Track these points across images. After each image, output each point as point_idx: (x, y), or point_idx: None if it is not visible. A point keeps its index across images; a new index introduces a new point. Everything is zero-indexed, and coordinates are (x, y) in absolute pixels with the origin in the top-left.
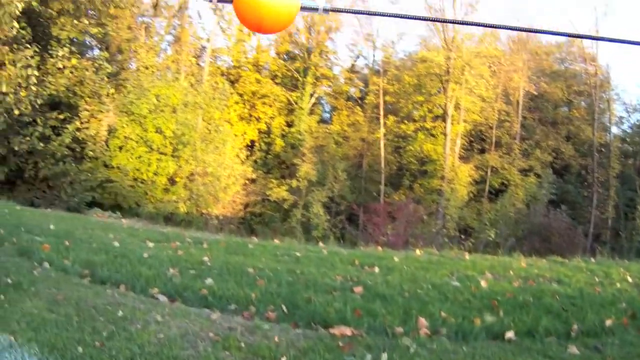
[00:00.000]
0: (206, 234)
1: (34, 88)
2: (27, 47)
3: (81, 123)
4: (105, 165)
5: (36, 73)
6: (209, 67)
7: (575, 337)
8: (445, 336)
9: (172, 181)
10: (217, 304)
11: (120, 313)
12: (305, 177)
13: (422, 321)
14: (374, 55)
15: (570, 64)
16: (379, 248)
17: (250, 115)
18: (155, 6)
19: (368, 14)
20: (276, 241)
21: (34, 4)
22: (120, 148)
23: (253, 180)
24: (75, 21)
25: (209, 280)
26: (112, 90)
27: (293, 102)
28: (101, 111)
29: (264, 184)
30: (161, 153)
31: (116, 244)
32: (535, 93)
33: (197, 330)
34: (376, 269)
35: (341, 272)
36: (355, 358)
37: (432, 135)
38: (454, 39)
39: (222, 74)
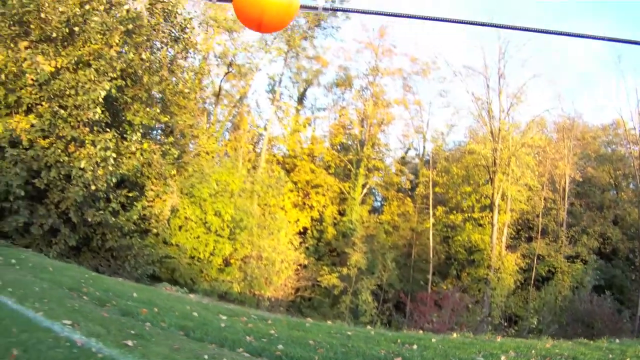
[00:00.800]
0: (266, 313)
1: (110, 168)
2: (106, 131)
3: (147, 202)
4: (165, 242)
5: (114, 155)
6: (265, 155)
7: None
8: None
9: (226, 262)
10: None
11: None
12: (355, 266)
13: None
14: (424, 147)
15: (616, 147)
16: (421, 331)
17: (304, 203)
18: (218, 95)
19: (368, 13)
20: (329, 322)
21: (113, 91)
22: (180, 227)
23: (304, 266)
24: (147, 108)
25: (280, 346)
26: (174, 172)
27: (345, 192)
28: (165, 192)
29: (315, 270)
30: (218, 235)
31: (195, 314)
32: (581, 179)
33: None
34: (414, 347)
35: (385, 347)
36: None
37: (480, 225)
38: (500, 130)
39: (278, 162)
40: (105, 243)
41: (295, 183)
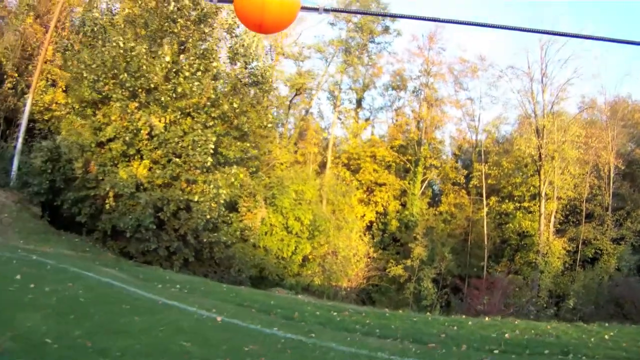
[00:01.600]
0: (359, 307)
1: (222, 201)
2: (214, 172)
3: (241, 216)
4: (254, 246)
5: (224, 192)
6: (330, 158)
7: None
8: None
9: (305, 259)
10: None
11: None
12: (417, 258)
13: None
14: (476, 140)
15: None
16: (464, 316)
17: (369, 200)
18: (287, 113)
19: (368, 14)
20: (400, 311)
21: (214, 138)
22: (266, 233)
23: (373, 257)
24: (238, 142)
25: (377, 331)
26: (261, 189)
27: (406, 188)
28: (255, 207)
29: (381, 260)
30: (299, 237)
31: (318, 313)
32: (623, 167)
33: None
34: (455, 327)
35: (436, 328)
36: None
37: (530, 212)
38: (545, 126)
39: (343, 165)
40: (213, 255)
41: (360, 181)
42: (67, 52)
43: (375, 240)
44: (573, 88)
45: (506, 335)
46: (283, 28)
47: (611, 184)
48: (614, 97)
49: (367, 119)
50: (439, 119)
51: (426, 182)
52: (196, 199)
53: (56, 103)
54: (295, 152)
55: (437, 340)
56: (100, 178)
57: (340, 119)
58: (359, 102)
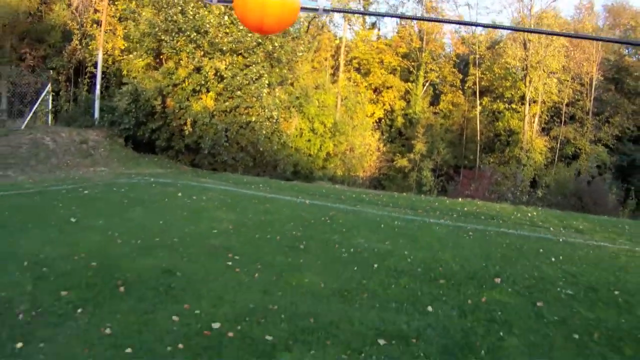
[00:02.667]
0: (377, 191)
1: (274, 119)
2: (268, 97)
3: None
4: (290, 148)
5: (276, 113)
6: (343, 63)
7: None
8: None
9: (328, 154)
10: None
11: None
12: (419, 152)
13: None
14: (471, 48)
15: None
16: (445, 198)
17: (378, 100)
18: (307, 30)
19: (368, 14)
20: (404, 194)
21: (265, 74)
22: (297, 136)
23: (382, 151)
24: (276, 69)
25: (390, 204)
26: (282, 96)
27: (409, 89)
28: (290, 117)
29: (389, 153)
30: (322, 137)
31: (363, 195)
32: (602, 78)
33: None
34: (437, 204)
35: (425, 204)
36: None
37: (517, 112)
38: (531, 40)
39: (355, 69)
40: (264, 159)
41: (369, 84)
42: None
43: (384, 137)
44: None
45: (465, 208)
46: (283, 29)
47: (593, 91)
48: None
49: (373, 24)
50: (438, 28)
51: (427, 83)
52: (254, 119)
53: (120, 49)
54: (312, 60)
55: (424, 208)
56: (177, 111)
57: (349, 26)
58: (365, 8)
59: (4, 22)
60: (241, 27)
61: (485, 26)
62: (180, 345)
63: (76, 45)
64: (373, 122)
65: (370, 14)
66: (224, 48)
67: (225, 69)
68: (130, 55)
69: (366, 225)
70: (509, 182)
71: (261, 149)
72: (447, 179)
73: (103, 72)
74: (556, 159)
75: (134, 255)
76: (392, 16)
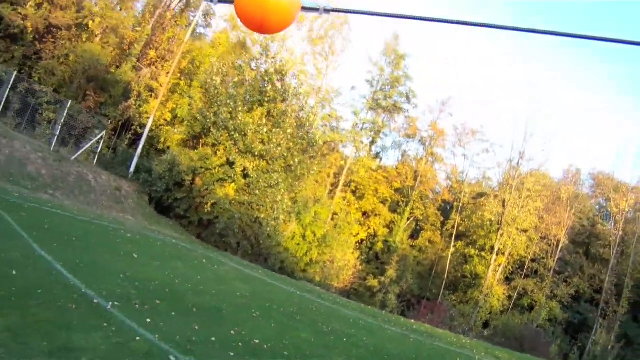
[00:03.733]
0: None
1: (280, 220)
2: (279, 202)
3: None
4: (281, 246)
5: (282, 216)
6: (342, 183)
7: None
8: None
9: (311, 260)
10: None
11: None
12: (389, 277)
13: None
14: (457, 196)
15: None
16: (413, 320)
17: (364, 223)
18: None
19: (369, 14)
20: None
21: (283, 183)
22: (289, 238)
23: (358, 269)
24: (290, 179)
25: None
26: (289, 203)
27: (394, 220)
28: (290, 221)
29: (363, 272)
30: (310, 244)
31: (338, 299)
32: (567, 242)
33: None
34: (398, 325)
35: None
36: None
37: (485, 259)
38: (509, 201)
39: (351, 191)
40: (260, 250)
41: (360, 207)
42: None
43: (362, 257)
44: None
45: (414, 327)
46: (284, 28)
47: (558, 252)
48: (598, 171)
49: (377, 154)
50: (432, 175)
51: (412, 218)
52: (262, 216)
53: (164, 120)
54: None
55: (383, 318)
56: (202, 190)
57: (356, 151)
58: (372, 141)
59: (84, 67)
60: (272, 139)
61: (486, 26)
62: (232, 353)
63: (131, 104)
64: (356, 242)
65: (371, 14)
66: (256, 152)
67: (252, 169)
68: (171, 128)
69: (339, 317)
70: (463, 320)
71: (261, 242)
72: (408, 305)
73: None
74: (511, 307)
75: (191, 293)
76: (392, 16)
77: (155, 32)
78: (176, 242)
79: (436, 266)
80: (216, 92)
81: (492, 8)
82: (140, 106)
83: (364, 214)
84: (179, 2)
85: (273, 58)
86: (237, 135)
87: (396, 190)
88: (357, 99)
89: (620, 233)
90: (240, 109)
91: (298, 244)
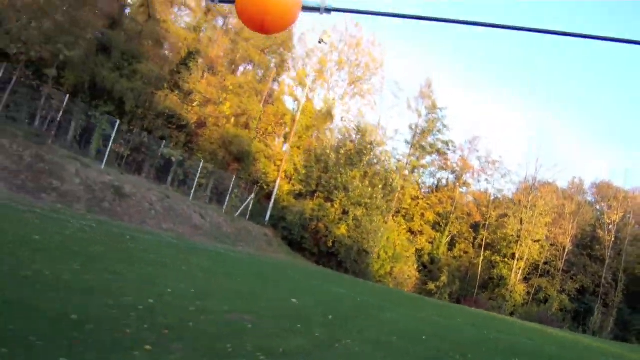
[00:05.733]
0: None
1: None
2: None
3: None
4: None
5: (381, 246)
6: (394, 210)
7: None
8: None
9: (385, 273)
10: None
11: None
12: (442, 281)
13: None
14: (485, 216)
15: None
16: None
17: (412, 240)
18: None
19: (370, 14)
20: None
21: (381, 227)
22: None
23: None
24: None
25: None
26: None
27: (436, 238)
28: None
29: (418, 278)
30: (384, 262)
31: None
32: (571, 247)
33: None
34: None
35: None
36: None
37: (508, 264)
38: (524, 217)
39: (402, 215)
40: (360, 269)
41: (410, 228)
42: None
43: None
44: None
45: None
46: (285, 29)
47: (564, 255)
48: (600, 180)
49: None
50: (464, 200)
51: (449, 235)
52: (367, 247)
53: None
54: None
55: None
56: (323, 230)
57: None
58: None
59: (226, 144)
60: (373, 194)
61: (486, 25)
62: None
63: (260, 168)
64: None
65: (373, 14)
66: (361, 203)
67: (360, 215)
68: (284, 182)
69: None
70: (494, 312)
71: (362, 265)
72: (457, 301)
73: (258, 181)
74: (530, 300)
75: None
76: (395, 16)
77: (265, 108)
78: (312, 269)
79: (470, 271)
80: (331, 162)
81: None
82: (265, 173)
83: (412, 232)
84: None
85: (363, 135)
86: (343, 191)
87: (437, 214)
88: (401, 141)
89: (612, 239)
90: (343, 171)
91: (378, 257)
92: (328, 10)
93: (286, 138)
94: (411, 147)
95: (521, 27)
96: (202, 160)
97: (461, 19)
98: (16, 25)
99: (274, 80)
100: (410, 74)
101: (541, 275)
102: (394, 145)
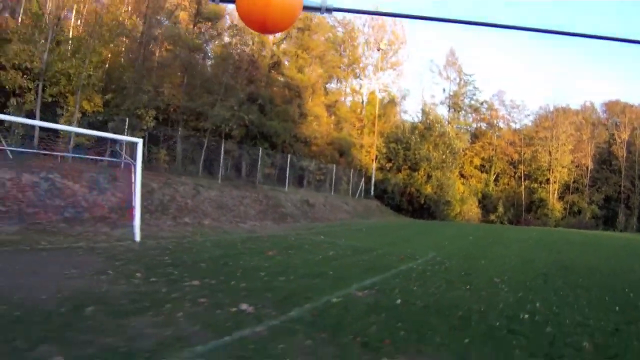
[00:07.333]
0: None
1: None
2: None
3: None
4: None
5: (457, 196)
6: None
7: None
8: None
9: (460, 212)
10: None
11: None
12: (500, 211)
13: None
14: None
15: None
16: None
17: (464, 183)
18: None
19: (370, 13)
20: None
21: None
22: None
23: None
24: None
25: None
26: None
27: (484, 178)
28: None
29: (482, 214)
30: (454, 205)
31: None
32: (593, 165)
33: None
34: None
35: None
36: None
37: (544, 188)
38: (553, 146)
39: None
40: (441, 213)
41: (462, 173)
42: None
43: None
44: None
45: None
46: (285, 28)
47: (589, 174)
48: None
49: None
50: (504, 144)
51: (495, 174)
52: (447, 199)
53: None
54: None
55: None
56: (415, 192)
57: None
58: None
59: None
60: (445, 160)
61: (487, 25)
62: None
63: (357, 157)
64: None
65: (373, 14)
66: (438, 166)
67: (440, 176)
68: (375, 164)
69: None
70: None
71: (445, 212)
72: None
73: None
74: (567, 214)
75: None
76: (395, 16)
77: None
78: (424, 223)
79: (515, 199)
80: (412, 142)
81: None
82: (359, 158)
83: (464, 177)
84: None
85: (427, 115)
86: (425, 161)
87: (482, 158)
88: (443, 106)
89: (625, 154)
90: (421, 146)
91: (452, 207)
92: (329, 10)
93: (363, 129)
94: (452, 110)
95: (522, 27)
96: (314, 161)
97: (460, 18)
98: (215, 110)
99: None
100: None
101: (572, 192)
102: (440, 111)
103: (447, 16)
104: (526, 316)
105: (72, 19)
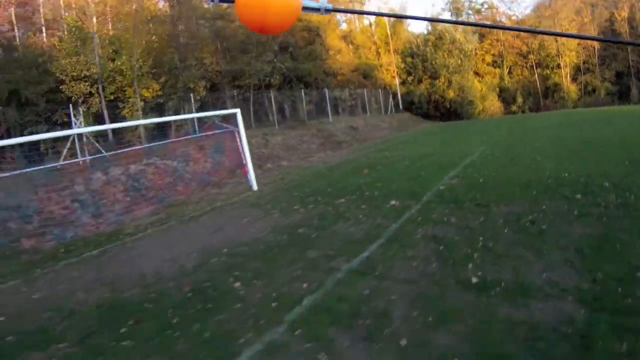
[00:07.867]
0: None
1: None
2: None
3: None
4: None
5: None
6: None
7: None
8: None
9: (478, 110)
10: None
11: None
12: (519, 102)
13: None
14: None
15: None
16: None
17: (480, 80)
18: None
19: (370, 14)
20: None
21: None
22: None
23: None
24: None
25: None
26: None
27: (499, 73)
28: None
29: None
30: (474, 103)
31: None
32: (598, 46)
33: None
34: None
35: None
36: None
37: (556, 73)
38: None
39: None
40: (464, 114)
41: (477, 71)
42: None
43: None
44: None
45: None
46: (285, 29)
47: (597, 53)
48: None
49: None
50: (513, 38)
51: (508, 67)
52: (470, 99)
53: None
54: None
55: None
56: (439, 98)
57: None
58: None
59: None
60: (461, 64)
61: (488, 27)
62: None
63: (379, 77)
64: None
65: (372, 14)
66: (457, 71)
67: (460, 80)
68: (397, 79)
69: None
70: (558, 111)
71: (470, 111)
72: (529, 110)
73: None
74: (583, 94)
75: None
76: (394, 16)
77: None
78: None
79: (531, 88)
80: (428, 53)
81: None
82: (382, 77)
83: (480, 75)
84: None
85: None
86: (444, 68)
87: (493, 54)
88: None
89: (628, 29)
90: (437, 56)
91: (475, 106)
92: (328, 11)
93: (378, 49)
94: (454, 15)
95: (522, 27)
96: (346, 89)
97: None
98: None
99: None
100: None
101: (584, 73)
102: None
103: None
104: (566, 174)
105: (109, 22)
